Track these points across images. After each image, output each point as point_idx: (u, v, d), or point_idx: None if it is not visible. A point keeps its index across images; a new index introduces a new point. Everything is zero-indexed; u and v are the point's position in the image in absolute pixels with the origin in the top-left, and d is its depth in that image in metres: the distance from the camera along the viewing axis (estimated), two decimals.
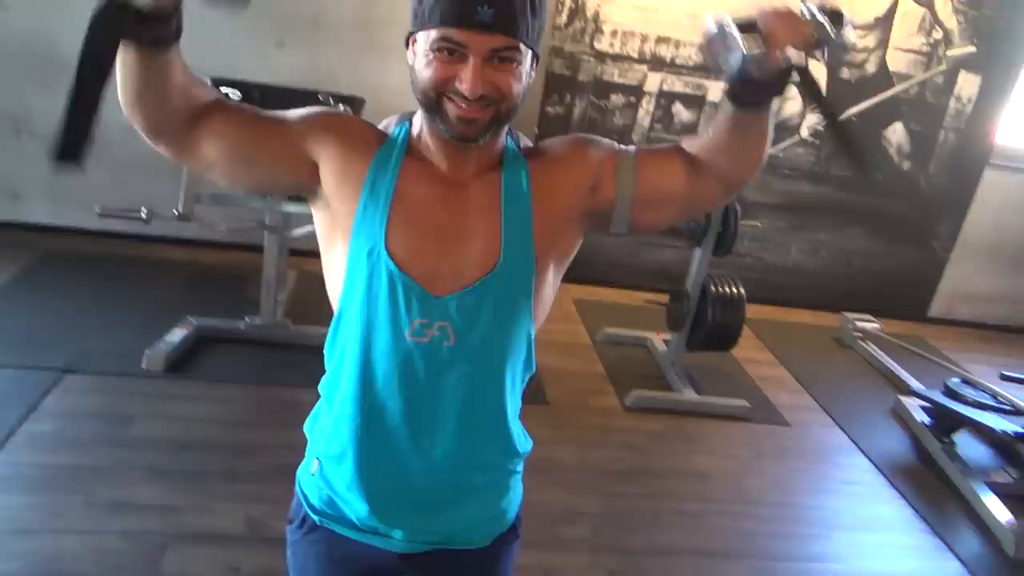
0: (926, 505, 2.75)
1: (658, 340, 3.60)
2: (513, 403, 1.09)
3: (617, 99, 4.00)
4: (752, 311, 3.99)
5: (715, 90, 4.05)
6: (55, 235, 3.74)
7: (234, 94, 2.88)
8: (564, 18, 3.81)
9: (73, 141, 0.80)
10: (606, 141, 1.07)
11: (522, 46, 0.91)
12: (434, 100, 0.92)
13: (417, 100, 0.96)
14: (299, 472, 1.16)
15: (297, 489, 1.16)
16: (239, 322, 3.10)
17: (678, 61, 3.97)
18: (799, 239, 4.44)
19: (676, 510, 2.49)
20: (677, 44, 3.93)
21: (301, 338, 3.11)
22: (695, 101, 4.06)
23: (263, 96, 2.94)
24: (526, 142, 1.08)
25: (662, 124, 4.08)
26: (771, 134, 1.03)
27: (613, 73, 3.95)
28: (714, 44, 0.94)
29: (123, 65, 0.87)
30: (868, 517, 2.65)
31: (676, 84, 4.02)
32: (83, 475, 2.23)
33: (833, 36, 0.94)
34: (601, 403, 3.10)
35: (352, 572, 1.12)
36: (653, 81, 3.99)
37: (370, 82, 3.78)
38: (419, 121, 1.01)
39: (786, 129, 4.17)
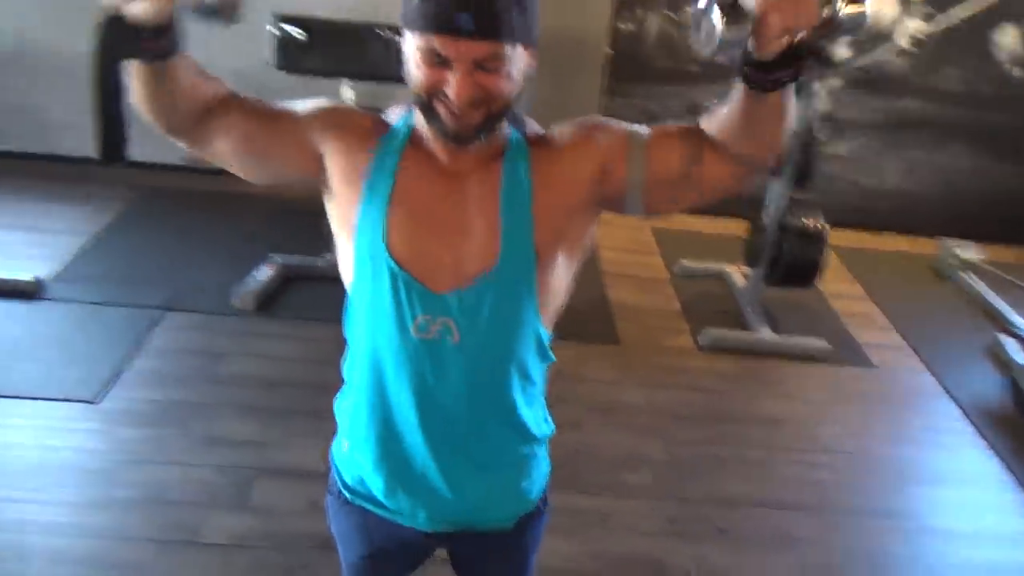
0: (1018, 458, 2.63)
1: (737, 273, 3.50)
2: (526, 395, 1.10)
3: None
4: (845, 238, 3.81)
5: None
6: (149, 172, 3.81)
7: (299, 34, 2.88)
8: None
9: (111, 145, 0.88)
10: (616, 123, 1.02)
11: (508, 48, 0.88)
12: (426, 101, 0.92)
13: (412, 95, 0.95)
14: (333, 448, 1.21)
15: (332, 464, 1.21)
16: (318, 259, 3.20)
17: None
18: (896, 159, 4.12)
19: (742, 458, 2.49)
20: None
21: None
22: None
23: (325, 34, 2.93)
24: (534, 128, 1.04)
25: None
26: (791, 113, 0.92)
27: None
28: (696, 20, 0.85)
29: (132, 77, 0.92)
30: (950, 470, 2.57)
31: None
32: (183, 410, 2.44)
33: (845, 16, 0.84)
34: (674, 342, 3.08)
35: (388, 544, 1.19)
36: None
37: None
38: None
39: (879, 36, 3.79)
